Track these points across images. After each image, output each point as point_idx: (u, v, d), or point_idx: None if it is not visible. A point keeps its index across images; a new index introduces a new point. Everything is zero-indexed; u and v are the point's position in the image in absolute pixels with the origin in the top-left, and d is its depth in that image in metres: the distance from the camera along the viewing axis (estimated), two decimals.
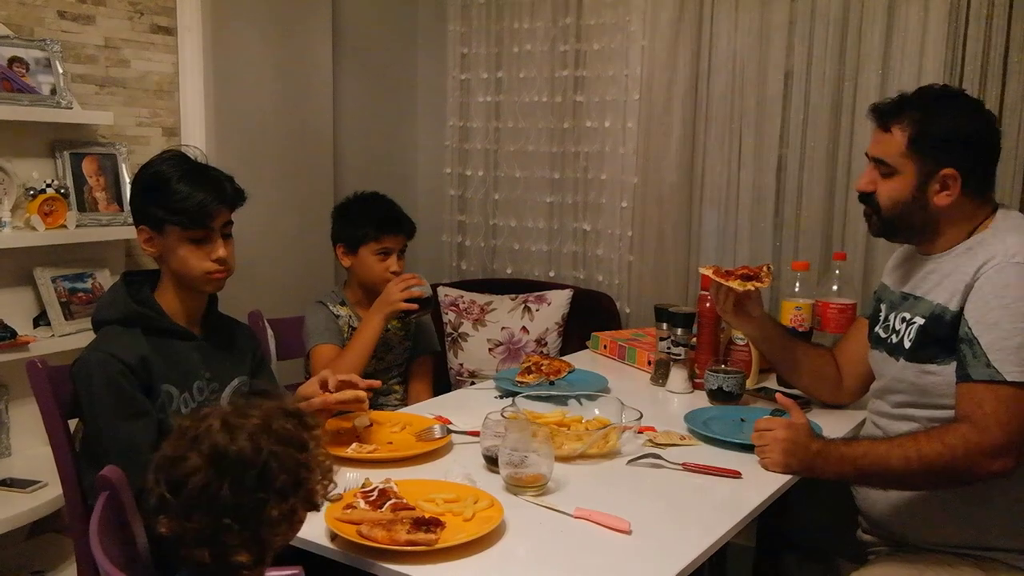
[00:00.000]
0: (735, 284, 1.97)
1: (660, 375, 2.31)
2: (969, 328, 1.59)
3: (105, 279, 2.45)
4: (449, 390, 2.69)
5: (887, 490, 1.72)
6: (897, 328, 1.77)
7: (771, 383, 2.29)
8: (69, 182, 2.37)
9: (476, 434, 1.77)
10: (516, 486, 1.56)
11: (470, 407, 2.03)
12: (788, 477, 1.66)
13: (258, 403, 1.15)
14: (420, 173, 3.72)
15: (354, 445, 1.76)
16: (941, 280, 1.69)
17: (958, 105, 1.71)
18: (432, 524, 1.34)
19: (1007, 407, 1.53)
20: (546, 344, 3.08)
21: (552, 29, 3.27)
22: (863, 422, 1.96)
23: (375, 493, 1.44)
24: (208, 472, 1.06)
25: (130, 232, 2.24)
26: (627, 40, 3.10)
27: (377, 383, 1.87)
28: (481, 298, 3.18)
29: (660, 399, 2.24)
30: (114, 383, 1.60)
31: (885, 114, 1.71)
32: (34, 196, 2.26)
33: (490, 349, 3.11)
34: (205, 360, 1.77)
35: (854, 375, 2.02)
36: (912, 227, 1.75)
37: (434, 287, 2.85)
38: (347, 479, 1.58)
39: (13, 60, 2.25)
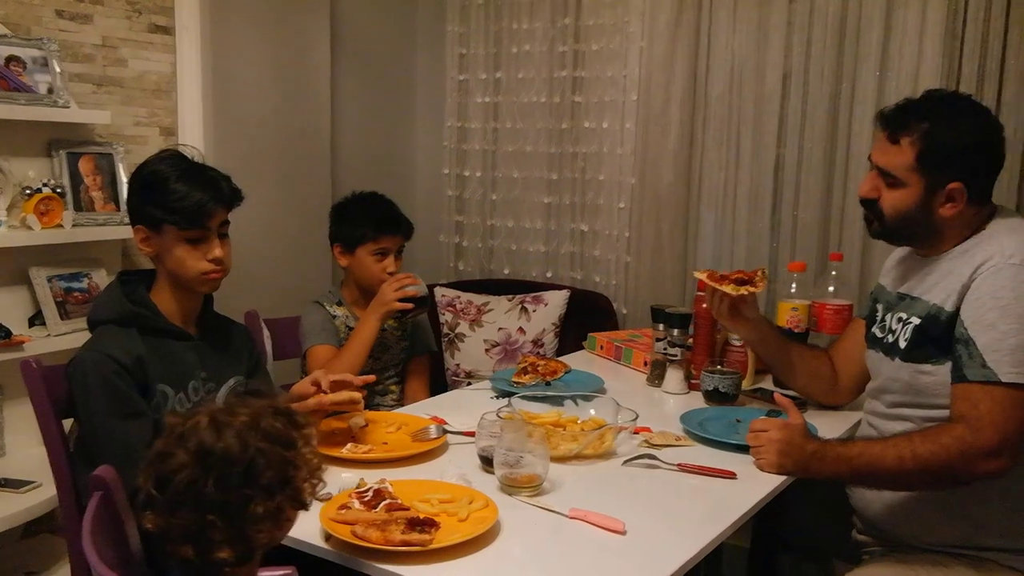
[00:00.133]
0: (729, 289, 1.97)
1: (656, 376, 2.31)
2: (965, 329, 1.59)
3: (101, 279, 2.45)
4: (446, 390, 2.68)
5: (882, 490, 1.72)
6: (893, 328, 1.77)
7: (767, 384, 2.30)
8: (65, 181, 2.37)
9: (472, 434, 1.77)
10: (511, 486, 1.56)
11: (466, 407, 2.02)
12: (783, 478, 1.67)
13: (248, 401, 1.15)
14: (418, 173, 3.72)
15: (349, 445, 1.76)
16: (938, 281, 1.70)
17: (966, 116, 1.68)
18: (427, 524, 1.34)
19: (1002, 408, 1.53)
20: (543, 345, 3.08)
21: (551, 30, 3.27)
22: (859, 423, 1.96)
23: (370, 493, 1.44)
24: (194, 468, 1.07)
25: (126, 232, 2.24)
26: (626, 41, 3.10)
27: (372, 378, 1.87)
28: (478, 299, 3.18)
29: (656, 400, 2.24)
30: (109, 383, 1.59)
31: (893, 124, 1.68)
32: (30, 195, 2.25)
33: (487, 350, 3.10)
34: (201, 360, 1.77)
35: (850, 376, 2.02)
36: (915, 234, 1.75)
37: (431, 287, 2.85)
38: (342, 479, 1.58)
39: (10, 59, 2.25)
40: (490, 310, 3.14)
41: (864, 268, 2.73)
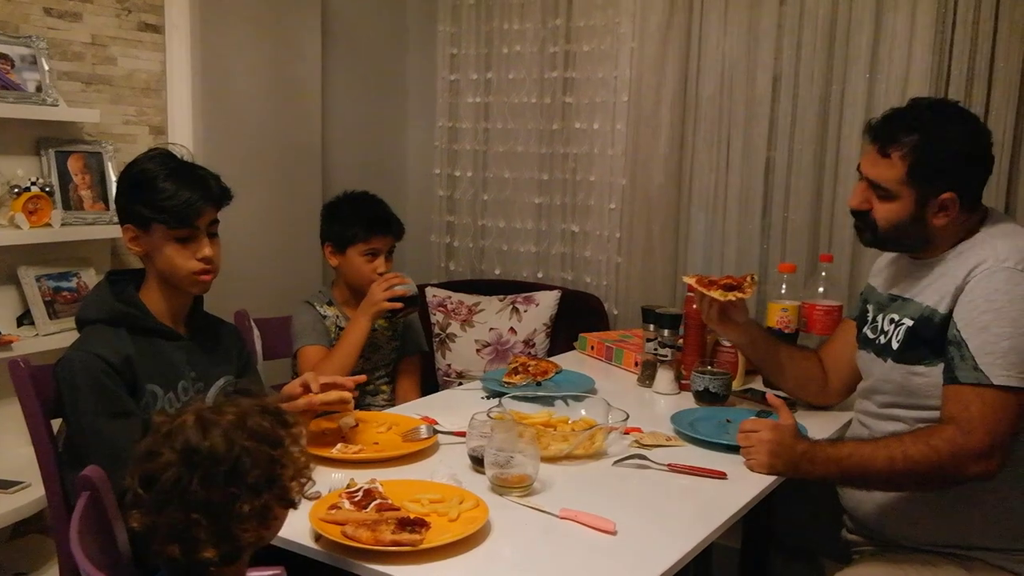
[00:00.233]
0: (716, 294, 1.97)
1: (647, 376, 2.32)
2: (958, 331, 1.60)
3: (90, 278, 2.43)
4: (437, 391, 2.68)
5: (872, 491, 1.73)
6: (885, 329, 1.78)
7: (757, 385, 2.30)
8: (54, 180, 2.35)
9: (462, 434, 1.77)
10: (502, 487, 1.56)
11: (457, 407, 2.02)
12: (773, 478, 1.67)
13: (237, 400, 1.15)
14: (409, 173, 3.72)
15: (339, 445, 1.75)
16: (931, 283, 1.70)
17: (955, 125, 1.68)
18: (417, 524, 1.34)
19: (993, 410, 1.54)
20: (534, 345, 3.08)
21: (541, 30, 3.27)
22: (849, 423, 1.97)
23: (360, 493, 1.44)
24: (180, 467, 1.06)
25: (115, 231, 2.23)
26: (616, 42, 3.10)
27: (362, 378, 1.86)
28: (469, 299, 3.18)
29: (647, 400, 2.24)
30: (98, 383, 1.59)
31: (883, 138, 1.68)
32: (19, 194, 2.24)
33: (478, 350, 3.10)
34: (190, 360, 1.76)
35: (840, 376, 2.02)
36: (907, 243, 1.75)
37: (422, 288, 2.85)
38: (332, 479, 1.58)
39: None
40: (481, 310, 3.14)
41: (854, 269, 2.74)
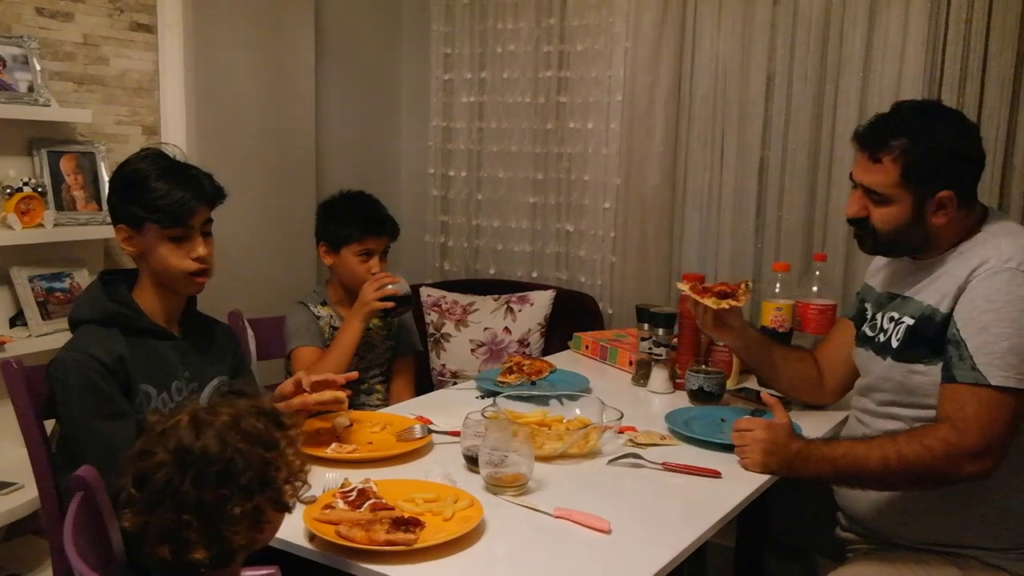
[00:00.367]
0: (710, 302, 1.96)
1: (641, 375, 2.32)
2: (957, 330, 1.60)
3: (83, 279, 2.43)
4: (431, 390, 2.68)
5: (866, 490, 1.73)
6: (885, 327, 1.78)
7: (752, 384, 2.30)
8: (46, 180, 2.35)
9: (457, 434, 1.77)
10: (496, 486, 1.56)
11: (451, 407, 2.02)
12: (767, 477, 1.67)
13: (232, 401, 1.14)
14: (403, 173, 3.72)
15: (334, 445, 1.75)
16: (932, 282, 1.70)
17: (941, 124, 1.68)
18: (411, 524, 1.34)
19: (988, 410, 1.54)
20: (528, 344, 3.08)
21: (536, 30, 3.27)
22: (843, 421, 1.97)
23: (354, 493, 1.44)
24: (172, 467, 1.06)
25: (108, 231, 2.21)
26: (610, 41, 3.10)
27: (355, 375, 1.86)
28: (464, 299, 3.18)
29: (641, 399, 2.24)
30: (91, 383, 1.58)
31: (872, 145, 1.68)
32: (11, 195, 2.23)
33: (472, 349, 3.10)
34: (184, 360, 1.75)
35: (835, 376, 2.02)
36: (909, 245, 1.75)
37: (416, 287, 2.84)
38: (326, 479, 1.58)
39: None
40: (476, 310, 3.14)
41: (848, 268, 2.74)
